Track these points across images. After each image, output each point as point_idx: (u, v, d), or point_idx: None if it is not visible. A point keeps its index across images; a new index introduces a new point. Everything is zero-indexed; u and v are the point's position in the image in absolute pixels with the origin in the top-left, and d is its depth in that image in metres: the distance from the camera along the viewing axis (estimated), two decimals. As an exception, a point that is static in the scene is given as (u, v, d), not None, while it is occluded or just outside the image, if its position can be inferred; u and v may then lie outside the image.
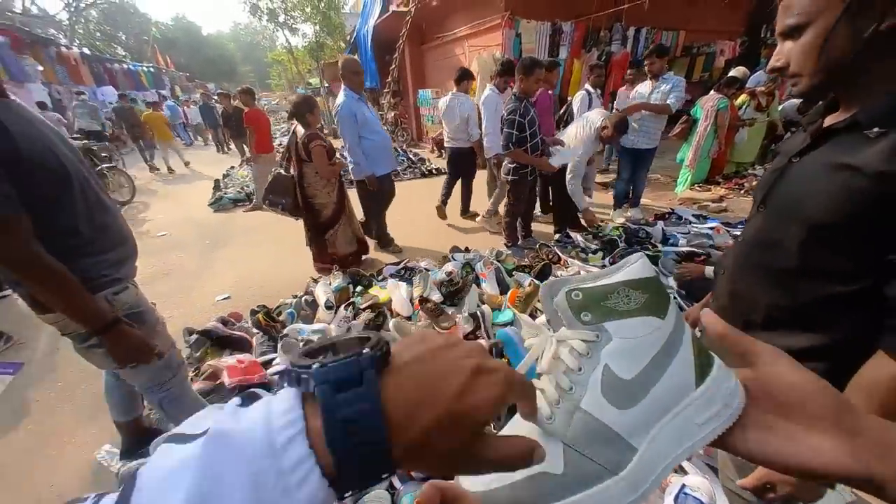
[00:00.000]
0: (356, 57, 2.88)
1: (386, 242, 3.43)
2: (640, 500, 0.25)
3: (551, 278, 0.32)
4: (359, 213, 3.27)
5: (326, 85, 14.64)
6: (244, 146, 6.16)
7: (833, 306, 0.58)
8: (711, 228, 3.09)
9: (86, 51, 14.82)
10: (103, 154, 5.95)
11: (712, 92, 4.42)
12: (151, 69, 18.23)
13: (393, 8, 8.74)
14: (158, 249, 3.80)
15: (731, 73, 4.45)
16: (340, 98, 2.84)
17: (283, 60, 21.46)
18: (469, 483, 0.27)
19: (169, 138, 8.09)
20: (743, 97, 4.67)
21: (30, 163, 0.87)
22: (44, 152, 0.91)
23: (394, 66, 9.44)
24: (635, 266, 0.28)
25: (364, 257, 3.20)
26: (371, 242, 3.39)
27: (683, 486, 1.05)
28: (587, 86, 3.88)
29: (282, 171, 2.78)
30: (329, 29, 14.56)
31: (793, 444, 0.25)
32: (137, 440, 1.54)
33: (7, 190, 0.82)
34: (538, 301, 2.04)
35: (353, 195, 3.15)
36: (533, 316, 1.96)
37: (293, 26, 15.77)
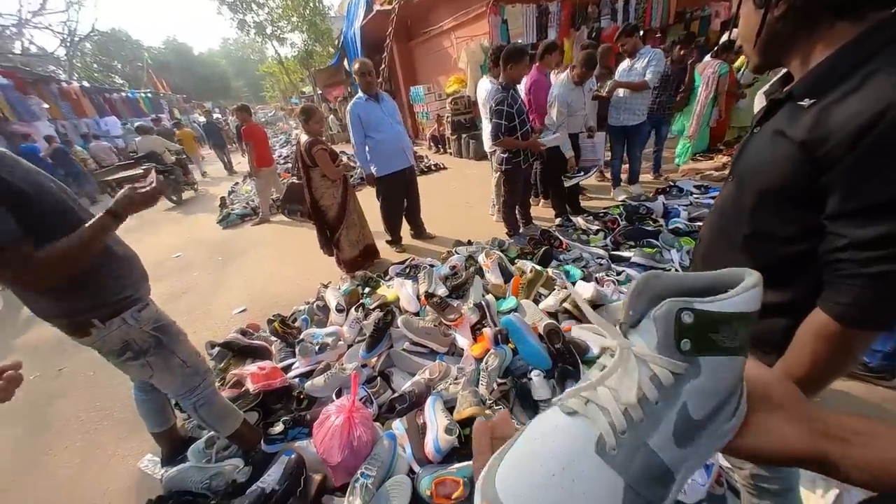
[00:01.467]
0: (364, 59, 2.93)
1: (395, 240, 3.50)
2: None
3: (651, 273, 0.26)
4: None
5: (319, 92, 14.72)
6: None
7: (787, 267, 0.62)
8: (713, 198, 3.06)
9: (85, 84, 15.20)
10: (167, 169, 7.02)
11: (708, 58, 4.32)
12: (149, 94, 18.59)
13: (377, 7, 8.71)
14: (175, 271, 3.95)
15: (725, 36, 4.33)
16: (352, 101, 2.98)
17: (274, 72, 21.60)
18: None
19: (197, 151, 9.87)
20: (741, 60, 4.54)
21: (36, 199, 0.98)
22: (43, 191, 1.02)
23: (383, 65, 9.44)
24: (751, 294, 0.25)
25: (374, 261, 3.26)
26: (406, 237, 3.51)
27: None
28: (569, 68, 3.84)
29: (294, 181, 2.94)
30: (317, 36, 14.60)
31: (766, 434, 0.27)
32: (175, 448, 1.65)
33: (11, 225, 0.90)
34: (541, 286, 2.08)
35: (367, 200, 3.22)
36: (537, 301, 2.01)
37: (281, 37, 15.85)
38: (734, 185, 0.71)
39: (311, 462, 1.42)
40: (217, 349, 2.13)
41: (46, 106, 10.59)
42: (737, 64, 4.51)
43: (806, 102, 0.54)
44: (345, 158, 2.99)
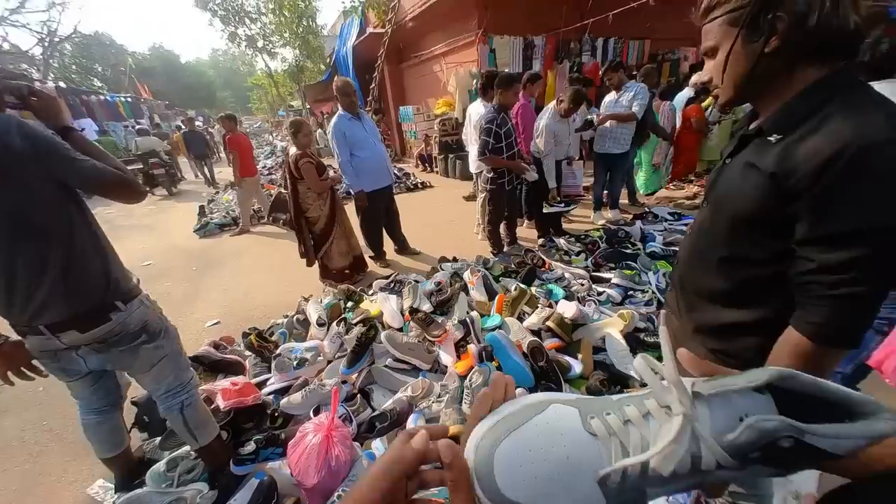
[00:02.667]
0: (347, 79, 2.98)
1: (377, 255, 3.48)
2: None
3: (789, 373, 0.24)
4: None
5: (308, 106, 14.80)
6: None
7: (760, 287, 0.67)
8: (686, 225, 3.24)
9: (62, 84, 14.68)
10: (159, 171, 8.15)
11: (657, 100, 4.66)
12: (129, 99, 18.12)
13: (370, 29, 8.99)
14: (144, 280, 3.73)
15: (693, 77, 4.71)
16: (334, 119, 2.99)
17: (263, 84, 21.61)
18: (508, 485, 0.25)
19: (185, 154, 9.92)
20: (709, 100, 4.93)
21: None
22: None
23: (374, 84, 9.65)
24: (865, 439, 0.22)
25: (363, 272, 3.27)
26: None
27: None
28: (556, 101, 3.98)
29: (282, 190, 2.97)
30: (308, 52, 14.81)
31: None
32: (130, 473, 1.52)
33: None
34: (524, 304, 2.10)
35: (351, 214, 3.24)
36: (520, 318, 2.02)
37: (272, 51, 15.98)
38: (709, 212, 0.76)
39: (284, 484, 1.34)
40: (186, 363, 2.01)
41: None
42: (706, 103, 4.89)
43: (774, 138, 0.60)
44: (332, 172, 3.00)
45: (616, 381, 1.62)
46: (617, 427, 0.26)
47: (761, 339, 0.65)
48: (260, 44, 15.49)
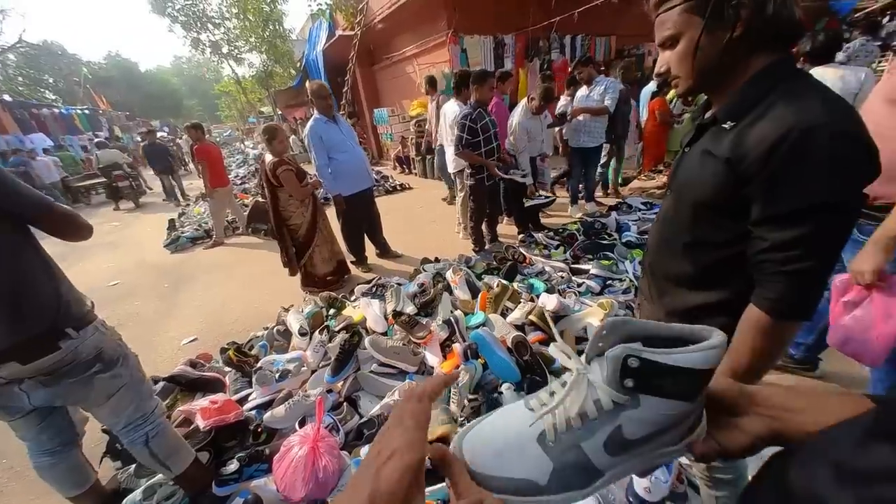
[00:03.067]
0: (321, 82, 2.92)
1: (359, 260, 3.43)
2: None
3: (619, 319, 0.31)
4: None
5: (280, 112, 14.44)
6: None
7: (723, 269, 0.70)
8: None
9: (6, 97, 13.74)
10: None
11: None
12: (87, 111, 17.15)
13: (339, 32, 8.86)
14: (111, 300, 3.56)
15: (656, 69, 4.88)
16: (310, 122, 2.93)
17: (231, 91, 20.93)
18: (479, 462, 0.31)
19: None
20: (672, 92, 5.14)
21: None
22: None
23: (346, 88, 9.52)
24: (704, 355, 0.27)
25: (347, 276, 3.22)
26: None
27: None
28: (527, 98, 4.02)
29: (259, 199, 2.88)
30: (277, 56, 14.45)
31: (730, 436, 0.32)
32: (105, 506, 1.43)
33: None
34: (507, 300, 2.13)
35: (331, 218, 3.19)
36: (504, 314, 2.04)
37: (238, 57, 15.50)
38: (672, 199, 0.79)
39: (271, 501, 1.29)
40: (161, 384, 1.92)
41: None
42: (669, 96, 5.09)
43: (728, 125, 0.63)
44: (311, 178, 2.94)
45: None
46: (545, 398, 0.33)
47: (728, 319, 0.68)
48: (225, 49, 15.00)
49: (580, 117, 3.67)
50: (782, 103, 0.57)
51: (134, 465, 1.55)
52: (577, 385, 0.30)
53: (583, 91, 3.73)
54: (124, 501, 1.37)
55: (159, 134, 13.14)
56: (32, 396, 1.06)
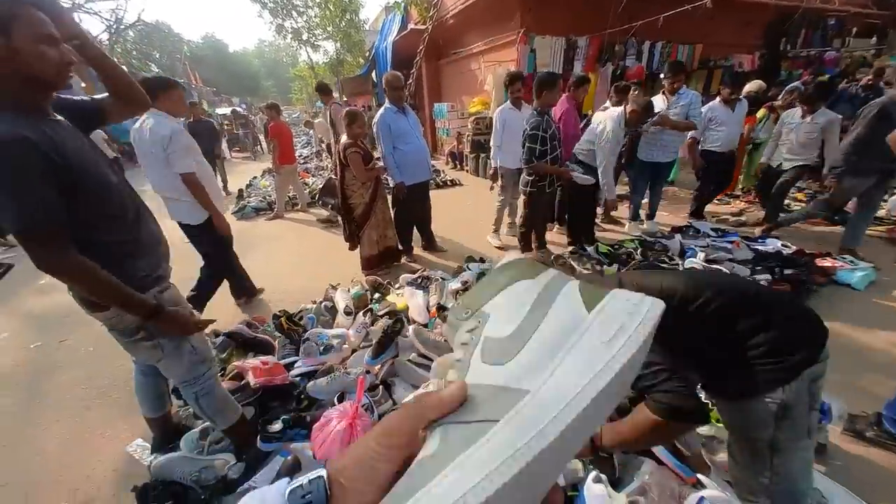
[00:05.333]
0: (397, 73, 3.03)
1: (406, 250, 3.52)
2: (555, 434, 0.20)
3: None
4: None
5: (345, 98, 15.14)
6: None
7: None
8: (731, 242, 3.05)
9: (123, 68, 15.77)
10: None
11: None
12: (182, 85, 19.24)
13: (411, 26, 9.06)
14: (185, 255, 3.96)
15: (747, 87, 4.41)
16: (381, 111, 3.05)
17: (304, 76, 22.31)
18: None
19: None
20: (762, 111, 4.61)
21: (80, 176, 0.98)
22: (89, 167, 1.02)
23: (411, 80, 9.73)
24: (505, 259, 0.32)
25: (396, 264, 3.34)
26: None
27: (702, 498, 1.04)
28: (608, 104, 3.71)
29: (332, 177, 3.16)
30: (349, 46, 15.14)
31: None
32: (167, 436, 1.62)
33: (53, 200, 0.91)
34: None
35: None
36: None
37: (315, 44, 16.46)
38: None
39: (306, 466, 1.37)
40: (221, 338, 2.11)
41: (84, 84, 10.98)
42: (759, 114, 4.57)
43: None
44: (380, 163, 3.06)
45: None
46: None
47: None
48: (304, 36, 15.99)
49: (652, 129, 3.42)
50: None
51: (193, 407, 1.72)
52: (455, 355, 0.30)
53: (659, 101, 3.46)
54: (184, 436, 1.53)
55: (234, 110, 14.38)
56: (113, 335, 1.24)
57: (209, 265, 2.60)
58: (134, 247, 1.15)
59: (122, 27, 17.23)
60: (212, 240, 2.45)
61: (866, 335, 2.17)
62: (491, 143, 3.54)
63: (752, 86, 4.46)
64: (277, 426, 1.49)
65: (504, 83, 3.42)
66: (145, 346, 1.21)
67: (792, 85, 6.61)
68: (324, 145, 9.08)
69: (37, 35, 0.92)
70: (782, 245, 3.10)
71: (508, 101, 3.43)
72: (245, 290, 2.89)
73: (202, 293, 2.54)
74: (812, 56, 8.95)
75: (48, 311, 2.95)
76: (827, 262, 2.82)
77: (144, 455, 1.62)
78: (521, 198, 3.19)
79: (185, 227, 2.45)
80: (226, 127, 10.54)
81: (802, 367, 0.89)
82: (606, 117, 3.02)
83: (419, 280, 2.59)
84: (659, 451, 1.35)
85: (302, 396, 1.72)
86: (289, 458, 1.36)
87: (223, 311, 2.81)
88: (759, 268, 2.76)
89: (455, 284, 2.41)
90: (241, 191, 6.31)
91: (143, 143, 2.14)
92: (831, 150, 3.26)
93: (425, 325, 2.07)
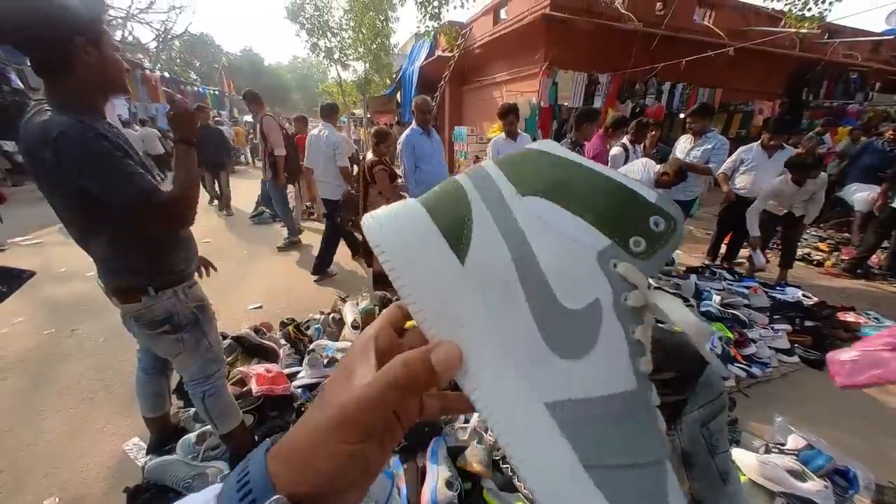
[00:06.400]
0: (426, 97, 3.17)
1: None
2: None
3: None
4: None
5: (369, 116, 15.70)
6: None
7: None
8: (748, 287, 2.97)
9: (166, 74, 16.79)
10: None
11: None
12: (216, 92, 20.28)
13: (439, 52, 9.47)
14: (202, 254, 4.07)
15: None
16: (407, 131, 3.17)
17: (332, 92, 23.31)
18: None
19: (245, 143, 12.94)
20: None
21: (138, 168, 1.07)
22: (141, 163, 1.10)
23: (434, 103, 10.06)
24: None
25: None
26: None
27: None
28: (624, 140, 3.71)
29: (352, 191, 3.34)
30: (377, 67, 15.84)
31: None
32: (164, 437, 1.60)
33: (141, 169, 1.03)
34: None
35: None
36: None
37: (345, 63, 17.27)
38: None
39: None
40: (228, 341, 2.12)
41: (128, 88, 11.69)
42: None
43: None
44: (401, 181, 3.15)
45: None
46: None
47: None
48: (336, 56, 16.82)
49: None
50: None
51: (194, 409, 1.71)
52: None
53: (685, 141, 3.49)
54: (181, 440, 1.52)
55: (218, 116, 15.04)
56: (131, 326, 1.27)
57: (333, 231, 3.57)
58: (175, 242, 1.22)
59: (171, 37, 18.43)
60: (339, 211, 3.45)
61: (893, 398, 2.06)
62: None
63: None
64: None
65: (498, 114, 3.39)
66: (168, 339, 1.23)
67: (810, 134, 6.61)
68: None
69: (111, 44, 1.03)
70: (803, 295, 3.01)
71: (503, 133, 3.44)
72: (357, 247, 3.74)
73: (326, 258, 3.57)
74: (834, 107, 8.99)
75: (63, 299, 3.02)
76: (850, 317, 2.72)
77: (140, 455, 1.61)
78: None
79: (327, 202, 3.54)
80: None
81: (679, 407, 0.84)
82: (637, 168, 3.01)
83: (428, 299, 2.58)
84: None
85: (303, 409, 1.70)
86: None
87: (232, 312, 2.84)
88: (777, 316, 2.67)
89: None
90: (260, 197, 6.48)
91: (319, 143, 3.49)
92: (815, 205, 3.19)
93: (431, 347, 2.04)
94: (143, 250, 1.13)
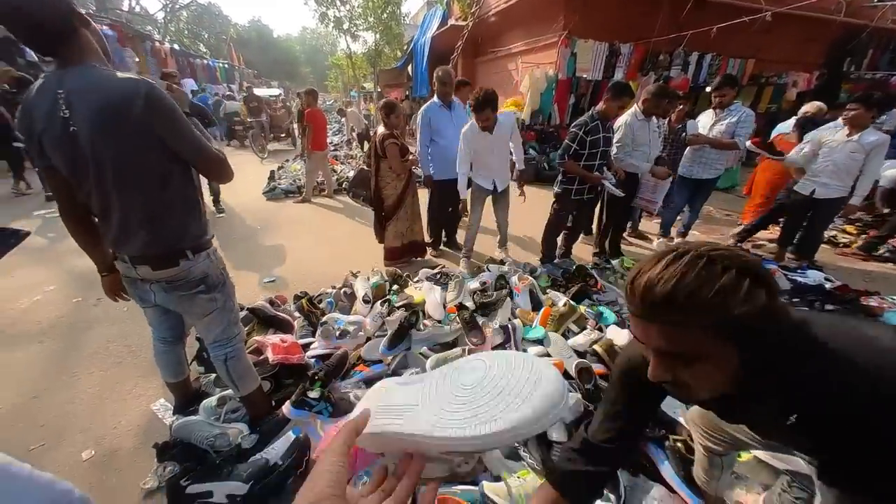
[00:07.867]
0: (449, 68, 3.02)
1: (433, 243, 3.56)
2: None
3: None
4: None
5: (379, 89, 15.32)
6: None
7: None
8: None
9: (175, 46, 16.57)
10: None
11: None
12: (226, 65, 20.01)
13: (452, 21, 9.04)
14: (216, 227, 4.14)
15: (804, 108, 4.13)
16: (426, 104, 3.09)
17: (341, 65, 22.73)
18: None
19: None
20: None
21: None
22: None
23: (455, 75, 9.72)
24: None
25: (418, 258, 3.35)
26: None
27: None
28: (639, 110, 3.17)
29: (364, 167, 3.19)
30: (388, 38, 15.30)
31: None
32: (187, 399, 1.69)
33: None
34: (572, 322, 2.01)
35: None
36: (566, 336, 1.94)
37: (355, 34, 16.73)
38: None
39: (315, 446, 1.41)
40: (244, 312, 2.18)
41: (137, 59, 11.61)
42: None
43: None
44: (412, 156, 3.07)
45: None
46: None
47: None
48: (346, 26, 16.27)
49: (698, 146, 3.27)
50: None
51: (214, 375, 1.80)
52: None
53: (707, 117, 3.31)
54: (203, 403, 1.60)
55: (273, 93, 14.74)
56: (157, 296, 1.30)
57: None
58: (203, 208, 1.31)
59: (178, 7, 18.03)
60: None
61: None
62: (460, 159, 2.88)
63: (809, 107, 4.13)
64: (316, 393, 1.52)
65: (472, 107, 2.65)
66: (203, 298, 1.30)
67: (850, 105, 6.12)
68: (355, 134, 9.22)
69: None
70: (825, 278, 2.91)
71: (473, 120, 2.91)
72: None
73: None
74: (877, 79, 8.33)
75: (87, 270, 3.11)
76: (874, 302, 2.62)
77: (167, 415, 1.71)
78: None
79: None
80: (276, 109, 10.84)
81: None
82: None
83: (438, 276, 2.60)
84: (670, 477, 1.30)
85: (315, 377, 1.76)
86: (300, 435, 1.39)
87: (247, 285, 2.92)
88: (796, 300, 2.60)
89: (473, 284, 2.40)
90: (272, 172, 6.50)
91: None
92: (868, 176, 2.82)
93: (439, 322, 2.07)
94: (183, 214, 1.22)
